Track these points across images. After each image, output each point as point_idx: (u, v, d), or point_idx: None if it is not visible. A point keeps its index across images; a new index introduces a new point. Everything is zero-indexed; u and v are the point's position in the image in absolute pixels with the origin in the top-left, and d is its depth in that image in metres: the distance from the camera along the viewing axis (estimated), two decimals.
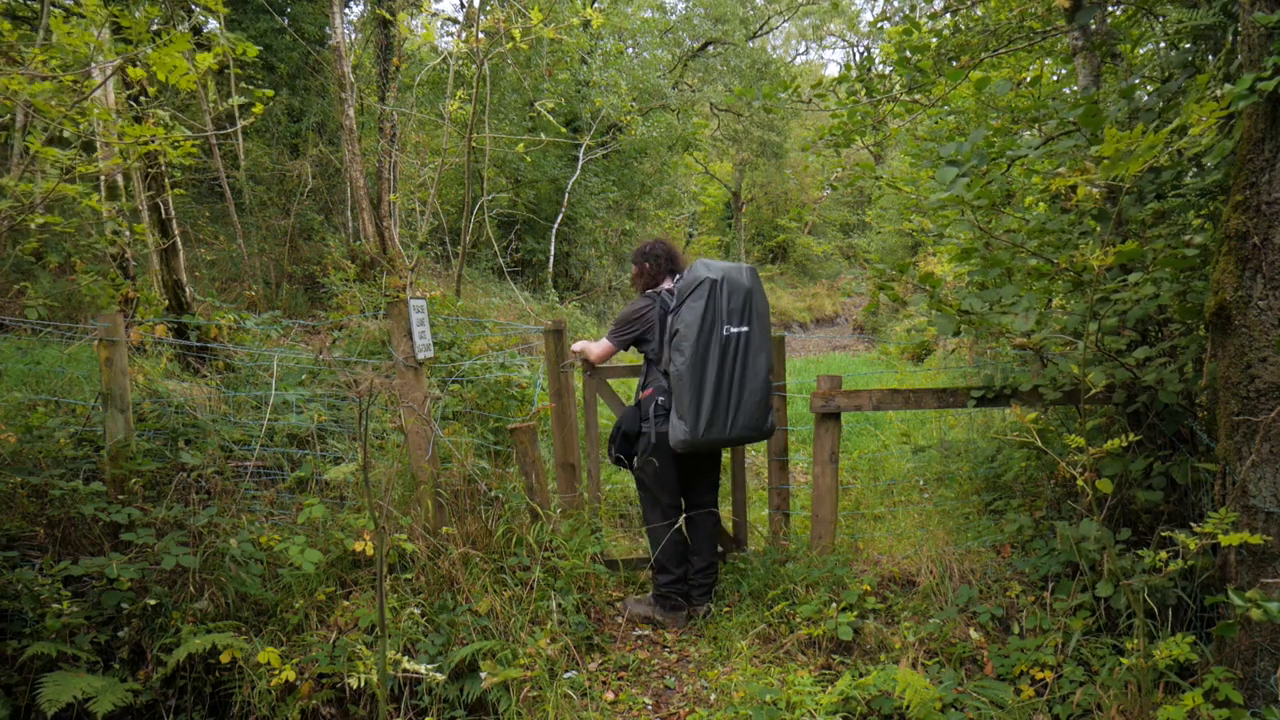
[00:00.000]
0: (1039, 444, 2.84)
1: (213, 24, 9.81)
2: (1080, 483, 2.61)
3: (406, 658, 2.81)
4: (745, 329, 3.50)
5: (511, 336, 8.49)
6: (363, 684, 2.73)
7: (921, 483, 5.21)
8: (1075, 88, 4.43)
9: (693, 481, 3.79)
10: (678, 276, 3.71)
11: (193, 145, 3.77)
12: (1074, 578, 3.15)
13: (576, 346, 3.96)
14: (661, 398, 3.59)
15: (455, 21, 14.83)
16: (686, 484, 3.77)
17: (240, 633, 2.97)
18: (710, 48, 20.35)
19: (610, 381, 4.41)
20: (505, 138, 12.99)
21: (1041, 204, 4.31)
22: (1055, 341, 3.14)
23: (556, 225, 14.17)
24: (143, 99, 5.56)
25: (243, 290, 9.25)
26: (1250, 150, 2.43)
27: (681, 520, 3.72)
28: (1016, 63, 5.46)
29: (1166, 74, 3.50)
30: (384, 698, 2.38)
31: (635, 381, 4.43)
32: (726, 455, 4.88)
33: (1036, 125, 4.37)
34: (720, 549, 4.18)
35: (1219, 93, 2.63)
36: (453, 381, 5.42)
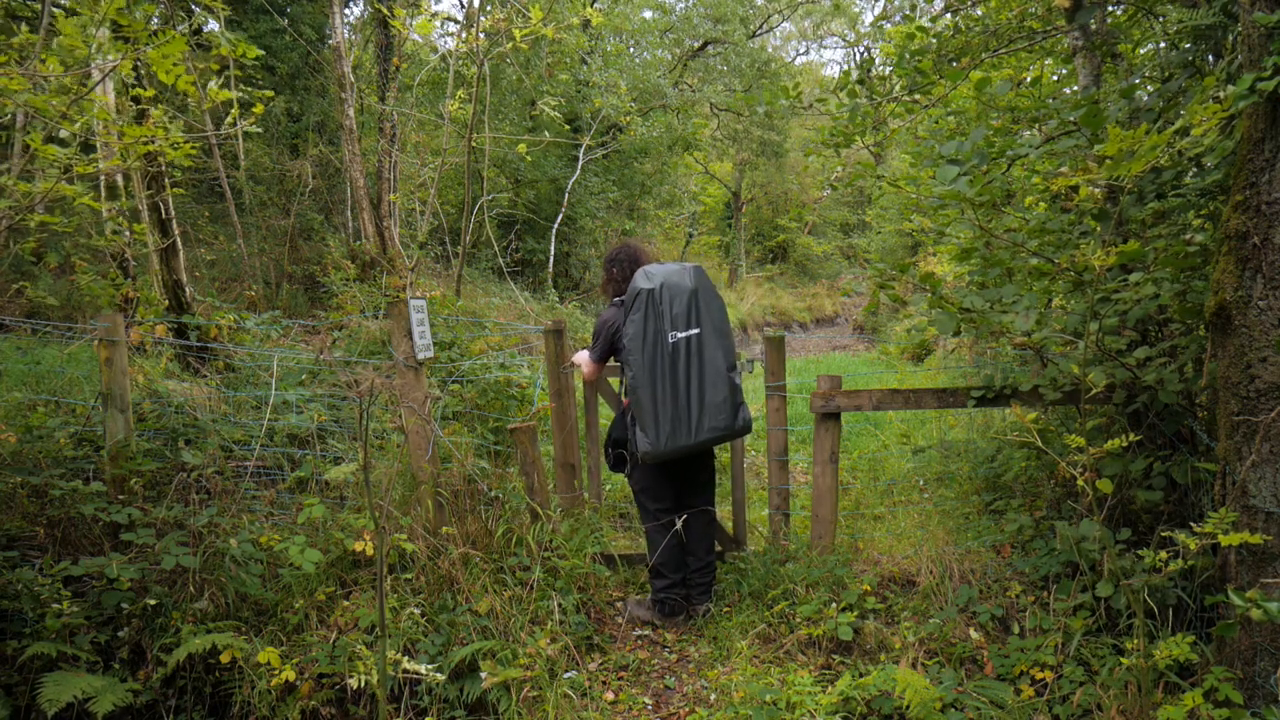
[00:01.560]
0: (1039, 444, 2.84)
1: (212, 24, 9.81)
2: (1080, 483, 2.61)
3: (406, 658, 2.81)
4: (695, 331, 3.42)
5: (511, 336, 8.49)
6: (363, 684, 2.73)
7: (921, 483, 5.21)
8: (1075, 88, 4.43)
9: (685, 484, 3.77)
10: None
11: (192, 145, 3.77)
12: (1074, 578, 3.15)
13: (576, 357, 3.97)
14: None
15: (455, 22, 14.84)
16: (679, 488, 3.75)
17: (240, 633, 2.97)
18: (710, 47, 20.34)
19: (611, 381, 4.41)
20: (505, 138, 13.00)
21: (1042, 204, 4.31)
22: (1055, 341, 3.14)
23: (556, 225, 14.16)
24: (148, 110, 5.55)
25: (243, 290, 9.25)
26: (1250, 150, 2.43)
27: (680, 523, 3.70)
28: (1017, 63, 5.46)
29: (1167, 74, 3.50)
30: (384, 698, 2.38)
31: None
32: (725, 456, 4.88)
33: (1037, 125, 4.37)
34: (719, 548, 4.18)
35: (1222, 94, 2.63)
36: (453, 381, 5.43)
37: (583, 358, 3.88)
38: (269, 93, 3.79)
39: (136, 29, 3.24)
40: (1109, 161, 2.50)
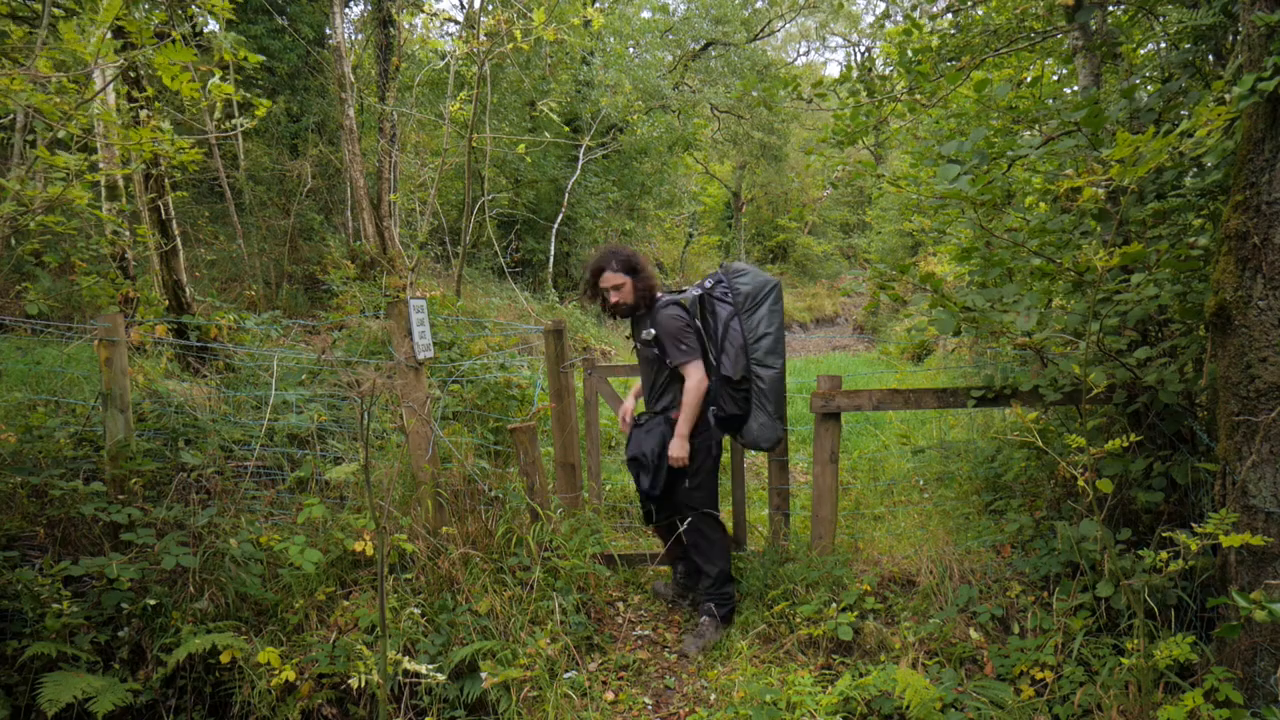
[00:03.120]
0: (1039, 444, 2.84)
1: (212, 25, 9.82)
2: (1080, 483, 2.60)
3: (406, 658, 2.81)
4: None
5: (511, 336, 8.50)
6: (363, 684, 2.73)
7: (921, 483, 5.21)
8: (1075, 88, 4.43)
9: None
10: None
11: (194, 147, 3.77)
12: (1074, 578, 3.15)
13: (690, 373, 3.47)
14: (713, 406, 3.54)
15: (456, 22, 14.83)
16: None
17: (240, 633, 2.97)
18: (711, 49, 20.35)
19: (611, 381, 4.41)
20: (505, 138, 13.00)
21: (1042, 204, 4.31)
22: (1056, 341, 3.14)
23: (556, 225, 14.18)
24: (145, 111, 5.56)
25: (243, 290, 9.25)
26: (1250, 150, 2.43)
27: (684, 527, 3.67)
28: (1018, 63, 5.46)
29: (1167, 74, 3.50)
30: (384, 698, 2.38)
31: (633, 381, 4.41)
32: (725, 456, 4.87)
33: (1036, 125, 4.37)
34: None
35: (1227, 96, 2.63)
36: (453, 381, 5.43)
37: (696, 371, 3.48)
38: (268, 103, 3.79)
39: (145, 37, 3.24)
40: (1117, 166, 2.50)
